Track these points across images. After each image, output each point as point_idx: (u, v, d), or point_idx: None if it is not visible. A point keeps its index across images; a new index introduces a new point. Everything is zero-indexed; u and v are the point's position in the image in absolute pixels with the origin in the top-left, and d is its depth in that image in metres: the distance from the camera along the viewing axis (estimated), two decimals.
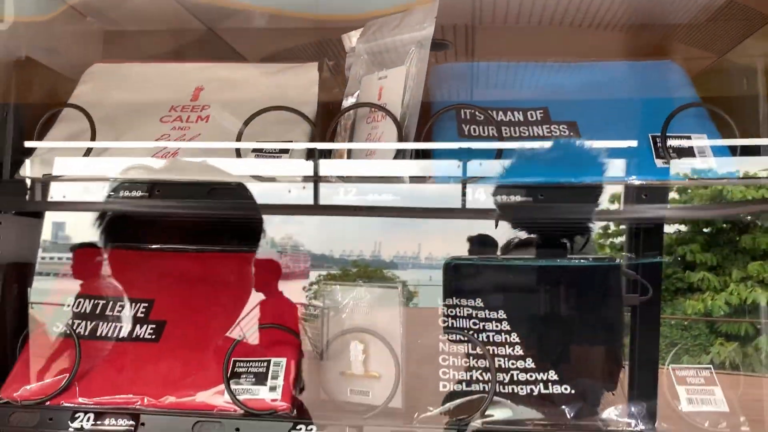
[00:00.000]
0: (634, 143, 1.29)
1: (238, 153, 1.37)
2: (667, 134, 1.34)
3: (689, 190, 1.42)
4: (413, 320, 1.47)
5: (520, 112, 1.50)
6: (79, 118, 1.47)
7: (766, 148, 1.37)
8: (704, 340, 1.53)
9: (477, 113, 1.45)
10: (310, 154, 1.39)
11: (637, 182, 1.28)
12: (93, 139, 1.42)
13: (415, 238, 1.68)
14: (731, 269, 1.55)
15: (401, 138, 1.34)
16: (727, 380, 1.39)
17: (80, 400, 1.40)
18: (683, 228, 1.64)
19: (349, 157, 1.48)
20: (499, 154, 1.29)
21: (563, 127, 1.45)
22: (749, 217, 1.61)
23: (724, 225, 1.59)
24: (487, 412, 1.31)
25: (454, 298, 1.48)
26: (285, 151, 1.41)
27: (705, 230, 1.49)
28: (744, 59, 1.73)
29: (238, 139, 1.39)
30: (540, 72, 1.62)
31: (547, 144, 1.34)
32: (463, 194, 1.28)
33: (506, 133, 1.44)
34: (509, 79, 1.64)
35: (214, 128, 1.52)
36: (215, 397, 1.40)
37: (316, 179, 1.31)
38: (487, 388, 1.35)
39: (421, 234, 1.67)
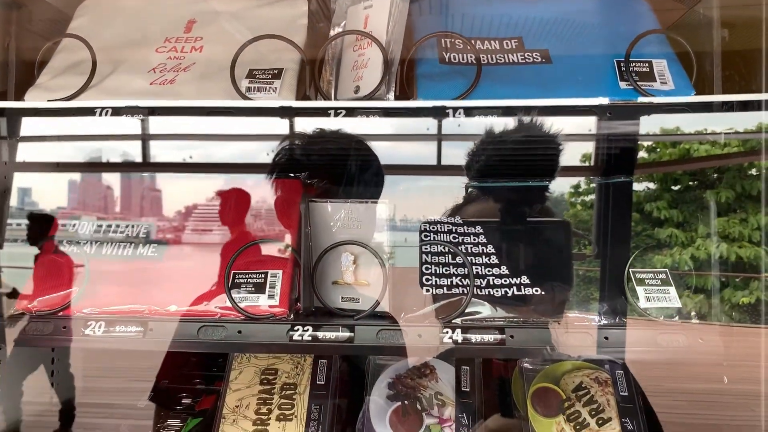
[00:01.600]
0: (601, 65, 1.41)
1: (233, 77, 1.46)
2: (630, 59, 1.46)
3: (658, 149, 1.54)
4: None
5: (497, 41, 1.61)
6: (77, 48, 1.54)
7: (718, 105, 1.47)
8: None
9: (457, 42, 1.56)
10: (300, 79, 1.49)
11: (604, 101, 1.40)
12: (93, 65, 1.50)
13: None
14: (697, 225, 1.65)
15: (387, 64, 1.44)
16: (694, 328, 1.54)
17: (90, 310, 1.51)
18: (652, 185, 1.74)
19: (336, 86, 1.58)
20: (477, 77, 1.40)
21: (536, 55, 1.56)
22: (714, 175, 1.74)
23: (690, 183, 1.70)
24: (466, 311, 1.44)
25: (434, 216, 1.61)
26: (276, 76, 1.50)
27: (673, 188, 1.60)
28: (711, 11, 1.84)
29: (232, 67, 1.48)
30: (515, 5, 1.72)
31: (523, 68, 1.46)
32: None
33: (484, 61, 1.55)
34: (486, 12, 1.74)
35: (208, 58, 1.60)
36: (217, 306, 1.51)
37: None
38: (466, 291, 1.48)
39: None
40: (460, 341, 1.42)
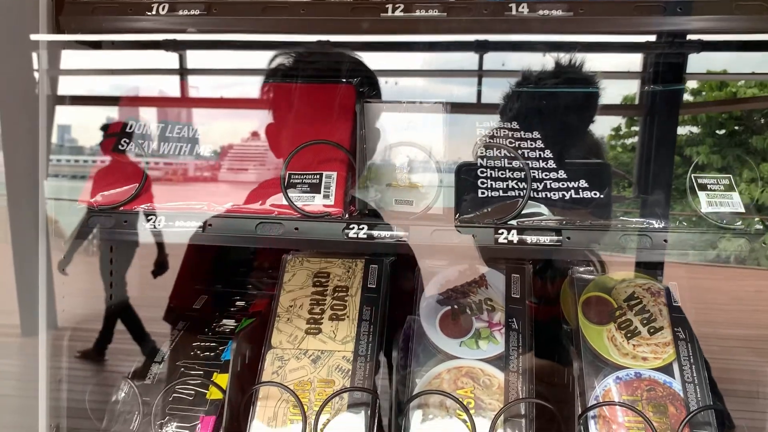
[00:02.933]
0: None
1: None
2: None
3: (703, 92, 1.49)
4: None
5: None
6: None
7: None
8: (712, 236, 1.62)
9: None
10: None
11: None
12: None
13: None
14: (742, 170, 1.61)
15: None
16: (732, 273, 1.51)
17: (150, 206, 1.54)
18: (695, 130, 1.69)
19: None
20: None
21: None
22: (762, 120, 1.68)
23: (736, 127, 1.65)
24: (522, 213, 1.43)
25: (491, 121, 1.59)
26: None
27: (717, 132, 1.54)
28: None
29: None
30: None
31: None
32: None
33: None
34: None
35: None
36: (273, 204, 1.53)
37: None
38: (522, 194, 1.47)
39: None
40: (515, 242, 1.41)
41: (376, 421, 1.54)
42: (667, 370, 1.57)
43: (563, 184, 1.49)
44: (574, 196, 1.47)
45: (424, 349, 1.65)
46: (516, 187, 1.50)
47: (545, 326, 1.74)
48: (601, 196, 1.46)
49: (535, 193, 1.48)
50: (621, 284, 1.71)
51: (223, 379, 1.62)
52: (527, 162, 1.52)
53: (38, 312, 1.56)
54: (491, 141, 1.55)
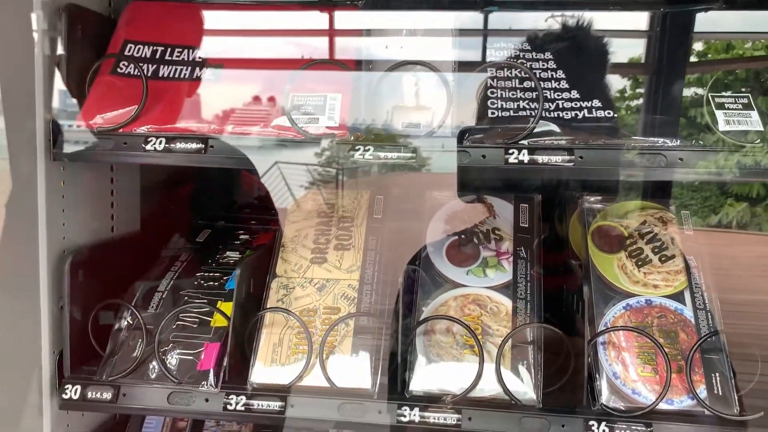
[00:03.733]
0: None
1: None
2: None
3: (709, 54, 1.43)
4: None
5: None
6: None
7: None
8: (714, 201, 1.57)
9: None
10: None
11: None
12: None
13: None
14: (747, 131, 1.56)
15: None
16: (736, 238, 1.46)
17: (150, 128, 1.50)
18: (700, 91, 1.63)
19: None
20: None
21: None
22: None
23: (743, 89, 1.58)
24: (534, 132, 1.39)
25: (501, 42, 1.53)
26: None
27: (723, 93, 1.47)
28: None
29: None
30: None
31: None
32: None
33: None
34: None
35: None
36: (277, 126, 1.48)
37: None
38: (533, 114, 1.42)
39: None
40: (526, 161, 1.37)
41: (382, 347, 1.52)
42: (678, 297, 1.54)
43: (576, 104, 1.44)
44: (587, 115, 1.43)
45: (431, 279, 1.63)
46: (527, 107, 1.45)
47: (554, 264, 1.71)
48: (615, 115, 1.41)
49: (546, 113, 1.43)
50: (632, 213, 1.67)
51: (227, 308, 1.60)
52: (539, 81, 1.47)
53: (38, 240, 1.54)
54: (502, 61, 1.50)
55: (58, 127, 1.52)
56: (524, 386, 1.45)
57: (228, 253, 1.81)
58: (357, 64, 1.56)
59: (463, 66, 1.55)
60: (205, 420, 1.83)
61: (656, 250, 1.61)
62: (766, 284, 1.70)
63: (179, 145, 1.46)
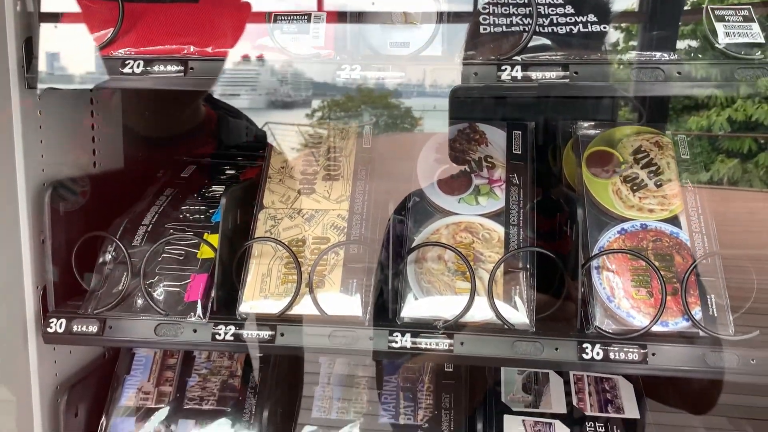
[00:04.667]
0: None
1: None
2: None
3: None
4: None
5: None
6: None
7: None
8: (705, 158, 1.52)
9: None
10: None
11: None
12: None
13: None
14: (739, 85, 1.50)
15: None
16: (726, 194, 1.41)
17: (127, 50, 1.43)
18: (694, 43, 1.56)
19: None
20: None
21: None
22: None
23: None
24: (527, 46, 1.33)
25: None
26: None
27: (717, 45, 1.40)
28: None
29: None
30: None
31: None
32: None
33: None
34: None
35: None
36: (259, 46, 1.42)
37: None
38: (527, 30, 1.36)
39: None
40: (519, 78, 1.32)
41: (373, 276, 1.49)
42: (673, 221, 1.52)
43: (570, 19, 1.39)
44: (582, 30, 1.37)
45: (422, 208, 1.59)
46: (521, 23, 1.40)
47: (548, 194, 1.68)
48: (610, 30, 1.36)
49: (540, 29, 1.37)
50: (627, 138, 1.63)
51: (214, 240, 1.56)
52: None
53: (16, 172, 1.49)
54: None
55: (31, 51, 1.45)
56: (517, 312, 1.43)
57: (214, 187, 1.77)
58: None
59: None
60: (195, 356, 1.81)
61: (652, 174, 1.57)
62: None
63: (158, 68, 1.41)
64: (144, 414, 1.72)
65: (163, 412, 1.71)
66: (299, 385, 1.76)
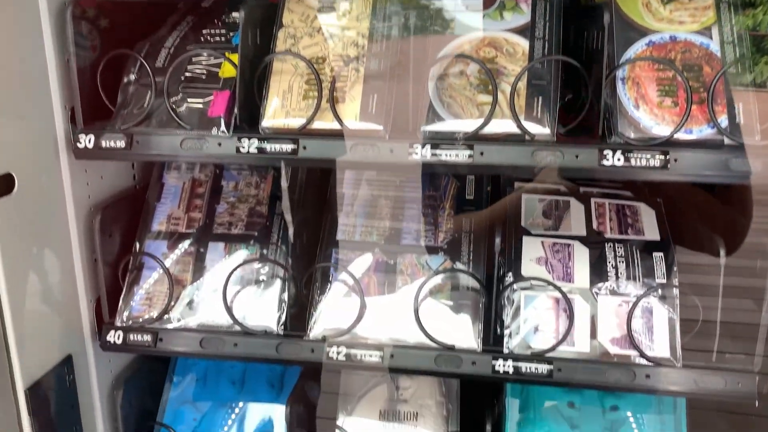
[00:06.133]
0: None
1: None
2: None
3: None
4: None
5: None
6: None
7: None
8: (749, 57, 1.42)
9: None
10: None
11: None
12: None
13: None
14: None
15: None
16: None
17: None
18: None
19: None
20: None
21: None
22: None
23: None
24: None
25: None
26: None
27: None
28: None
29: None
30: None
31: None
32: None
33: None
34: None
35: None
36: None
37: None
38: None
39: None
40: None
41: (395, 90, 1.48)
42: (705, 33, 1.46)
43: None
44: None
45: (444, 25, 1.55)
46: None
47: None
48: None
49: None
50: None
51: (235, 58, 1.56)
52: None
53: None
54: None
55: None
56: (538, 123, 1.42)
57: (233, 14, 1.74)
58: None
59: None
60: (223, 186, 1.85)
61: None
62: None
63: None
64: (175, 238, 1.79)
65: (194, 235, 1.77)
66: (323, 210, 1.80)
